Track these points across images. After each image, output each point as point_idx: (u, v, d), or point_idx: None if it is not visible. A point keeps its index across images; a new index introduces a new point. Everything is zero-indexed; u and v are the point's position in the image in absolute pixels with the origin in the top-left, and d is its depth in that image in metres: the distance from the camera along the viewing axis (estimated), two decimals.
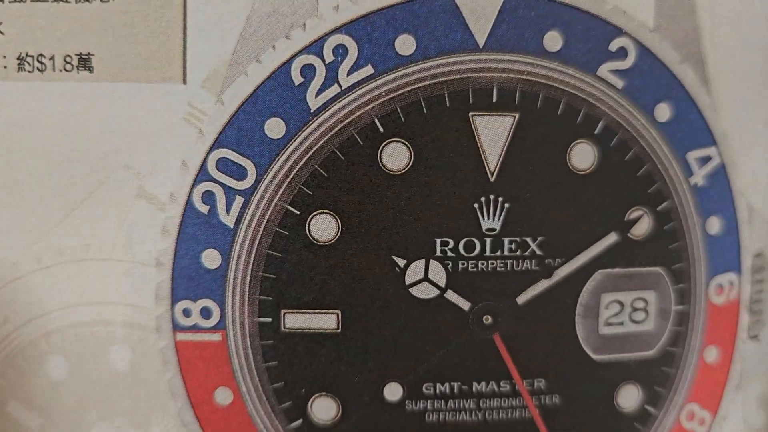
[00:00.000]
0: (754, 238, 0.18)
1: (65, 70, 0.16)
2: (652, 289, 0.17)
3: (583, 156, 0.16)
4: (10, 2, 0.15)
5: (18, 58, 0.16)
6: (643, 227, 0.17)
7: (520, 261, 0.16)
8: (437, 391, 0.16)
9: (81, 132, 0.16)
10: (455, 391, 0.16)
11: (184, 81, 0.16)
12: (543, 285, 0.16)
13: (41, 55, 0.16)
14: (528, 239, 0.16)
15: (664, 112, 0.17)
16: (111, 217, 0.16)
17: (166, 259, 0.16)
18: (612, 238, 0.16)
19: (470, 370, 0.16)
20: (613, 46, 0.16)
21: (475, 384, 0.16)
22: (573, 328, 0.17)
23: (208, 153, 0.16)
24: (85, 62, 0.16)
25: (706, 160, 0.17)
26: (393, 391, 0.16)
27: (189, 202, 0.16)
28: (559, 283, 0.16)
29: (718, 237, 0.18)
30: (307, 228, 0.16)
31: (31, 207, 0.16)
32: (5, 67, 0.16)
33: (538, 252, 0.16)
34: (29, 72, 0.16)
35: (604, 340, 0.17)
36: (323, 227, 0.16)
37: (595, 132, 0.16)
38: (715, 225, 0.17)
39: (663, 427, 0.18)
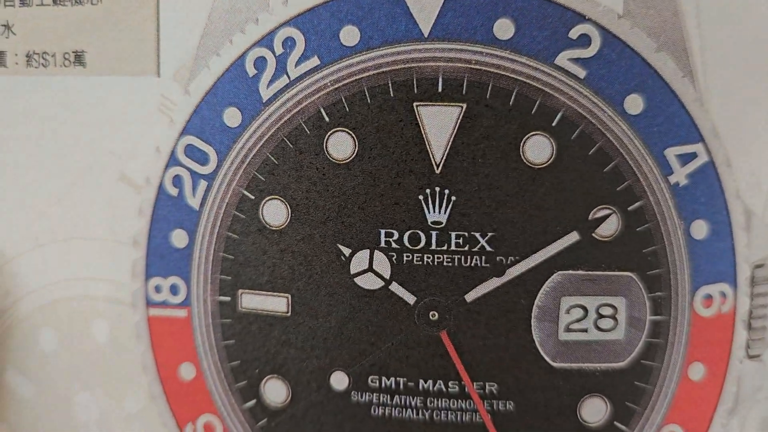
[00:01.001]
0: (754, 247, 0.15)
1: (64, 65, 0.16)
2: (622, 295, 0.14)
3: (538, 149, 0.14)
4: (20, 6, 0.16)
5: (27, 56, 0.16)
6: (610, 227, 0.14)
7: (468, 257, 0.14)
8: (383, 384, 0.15)
9: (74, 121, 0.16)
10: (401, 387, 0.15)
11: (158, 74, 0.15)
12: (494, 283, 0.14)
13: (45, 52, 0.16)
14: (477, 234, 0.14)
15: (635, 103, 0.14)
16: (96, 199, 0.16)
17: (141, 238, 0.16)
18: (573, 237, 0.14)
19: (417, 366, 0.15)
20: (574, 33, 0.14)
21: (421, 381, 0.15)
22: (528, 332, 0.14)
23: (178, 140, 0.15)
24: (79, 58, 0.16)
25: (689, 157, 0.14)
26: (339, 380, 0.15)
27: (161, 186, 0.16)
28: (513, 283, 0.14)
29: (705, 242, 0.15)
30: (260, 213, 0.15)
31: (32, 190, 0.17)
32: (17, 63, 0.16)
33: (488, 248, 0.14)
34: (35, 67, 0.16)
35: (564, 346, 0.15)
36: (274, 212, 0.15)
37: (553, 124, 0.14)
38: (702, 229, 0.15)
39: None
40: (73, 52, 0.16)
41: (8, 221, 0.17)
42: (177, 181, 0.15)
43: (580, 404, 0.15)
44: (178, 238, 0.16)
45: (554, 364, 0.15)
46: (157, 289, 0.16)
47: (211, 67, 0.15)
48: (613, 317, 0.15)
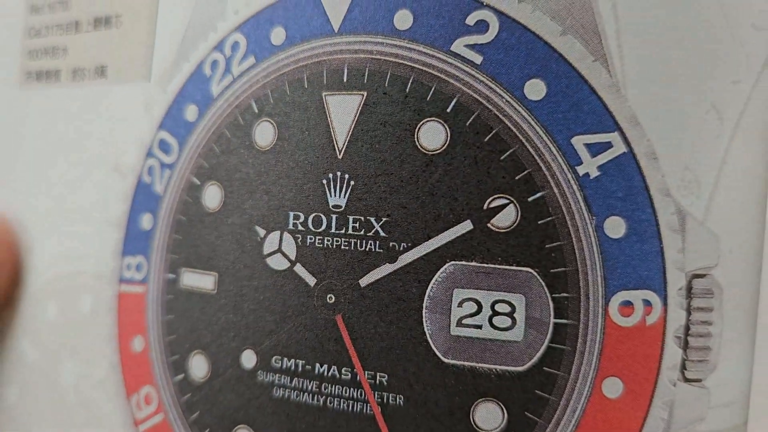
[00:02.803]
0: (691, 253, 0.13)
1: (94, 78, 0.20)
2: (520, 292, 0.14)
3: (432, 135, 0.14)
4: (74, 33, 0.20)
5: (73, 72, 0.20)
6: (507, 218, 0.14)
7: (363, 241, 0.14)
8: (284, 365, 0.15)
9: (92, 119, 0.19)
10: (299, 369, 0.15)
11: (149, 79, 0.18)
12: (387, 269, 0.14)
13: (84, 68, 0.20)
14: (372, 219, 0.14)
15: (536, 89, 0.14)
16: (97, 186, 0.19)
17: (122, 220, 0.18)
18: (466, 226, 0.14)
19: (314, 350, 0.15)
20: (471, 19, 0.14)
21: (317, 365, 0.15)
22: (420, 323, 0.14)
23: (155, 134, 0.18)
24: (103, 71, 0.19)
25: (602, 147, 0.13)
26: (248, 359, 0.16)
27: (140, 174, 0.18)
28: (405, 270, 0.14)
29: (623, 242, 0.13)
30: (203, 196, 0.17)
31: (55, 179, 0.20)
32: (66, 78, 0.20)
33: (382, 233, 0.14)
34: (77, 81, 0.20)
35: (456, 342, 0.14)
36: (212, 196, 0.16)
37: (447, 110, 0.14)
38: (618, 227, 0.13)
39: None
40: (100, 66, 0.19)
41: (37, 206, 0.20)
42: (150, 170, 0.18)
43: (474, 408, 0.14)
44: (147, 221, 0.18)
45: (445, 360, 0.14)
46: (128, 267, 0.18)
47: (183, 71, 0.17)
48: (511, 316, 0.13)
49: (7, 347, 0.20)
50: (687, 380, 0.13)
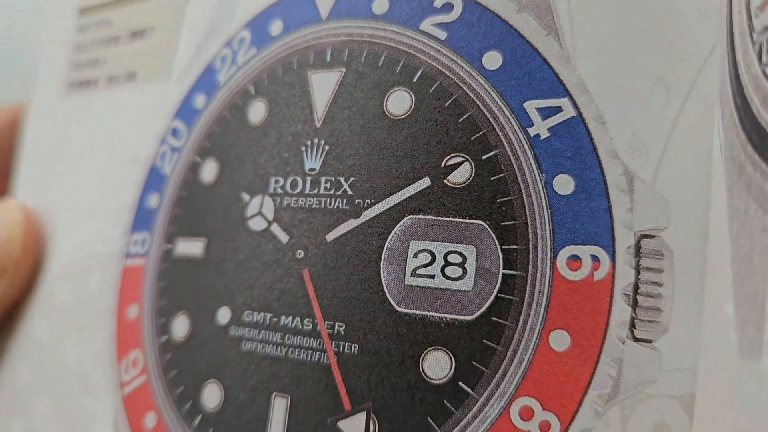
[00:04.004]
0: (639, 213, 0.14)
1: (125, 83, 0.22)
2: (472, 244, 0.14)
3: (399, 102, 0.15)
4: (114, 46, 0.23)
5: (108, 79, 0.23)
6: (463, 175, 0.15)
7: (332, 199, 0.16)
8: (254, 319, 0.16)
9: (118, 119, 0.22)
10: (266, 321, 0.16)
11: (171, 77, 0.20)
12: (351, 224, 0.15)
13: (117, 75, 0.22)
14: (341, 179, 0.16)
15: (493, 59, 0.15)
16: (116, 176, 0.21)
17: (134, 203, 0.20)
18: (425, 183, 0.15)
19: (281, 302, 0.16)
20: (439, 2, 0.16)
21: (283, 317, 0.16)
22: (378, 273, 0.15)
23: (170, 124, 0.20)
24: (133, 76, 0.22)
25: (552, 111, 0.14)
26: (224, 315, 0.17)
27: (153, 161, 0.20)
28: (368, 224, 0.15)
29: (571, 199, 0.14)
30: (201, 172, 0.18)
31: (81, 174, 0.22)
32: (102, 85, 0.23)
33: (349, 192, 0.15)
34: (113, 87, 0.22)
35: (410, 291, 0.14)
36: (210, 171, 0.18)
37: (414, 80, 0.15)
38: (567, 184, 0.14)
39: (486, 417, 0.14)
40: (131, 72, 0.22)
41: (65, 200, 0.22)
42: (162, 156, 0.19)
43: (423, 357, 0.14)
44: (153, 200, 0.19)
45: (399, 309, 0.14)
46: (134, 243, 0.19)
47: (198, 67, 0.19)
48: (462, 266, 0.14)
49: (24, 328, 0.21)
50: (636, 339, 0.13)
